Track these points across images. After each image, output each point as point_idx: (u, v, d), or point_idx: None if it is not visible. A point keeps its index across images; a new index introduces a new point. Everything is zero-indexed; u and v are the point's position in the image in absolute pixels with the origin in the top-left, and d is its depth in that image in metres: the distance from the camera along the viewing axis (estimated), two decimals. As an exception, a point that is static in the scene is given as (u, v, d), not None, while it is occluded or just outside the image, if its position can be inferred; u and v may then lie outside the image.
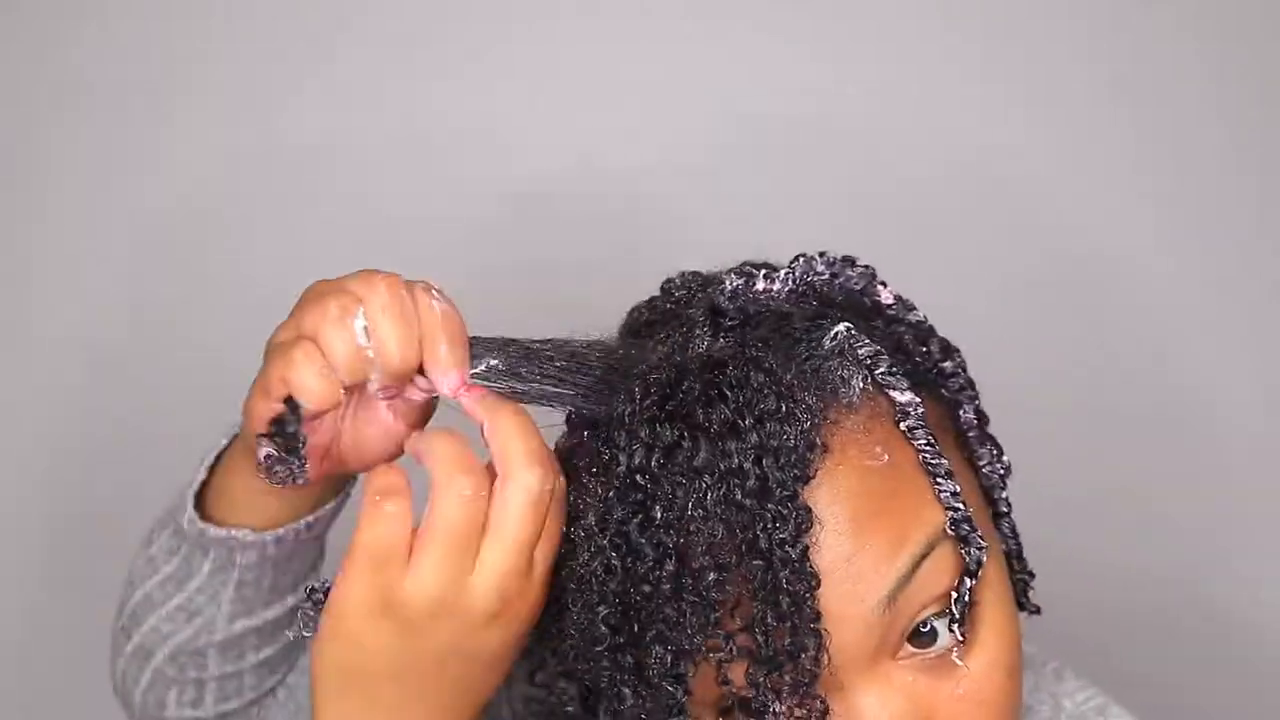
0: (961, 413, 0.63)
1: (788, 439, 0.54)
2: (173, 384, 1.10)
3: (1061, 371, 1.12)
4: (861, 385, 0.58)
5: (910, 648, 0.57)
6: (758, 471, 0.53)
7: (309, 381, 0.55)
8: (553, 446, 0.60)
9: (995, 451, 0.64)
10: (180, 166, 1.09)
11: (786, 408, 0.54)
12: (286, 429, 0.56)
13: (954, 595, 0.56)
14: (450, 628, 0.55)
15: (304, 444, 0.57)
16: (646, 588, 0.54)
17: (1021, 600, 0.65)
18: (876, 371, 0.58)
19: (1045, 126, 1.11)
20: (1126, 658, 1.07)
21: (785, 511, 0.53)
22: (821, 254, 0.62)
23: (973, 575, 0.56)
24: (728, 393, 0.54)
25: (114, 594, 0.75)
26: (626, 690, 0.56)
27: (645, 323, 0.63)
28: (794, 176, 1.11)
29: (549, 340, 0.60)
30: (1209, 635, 1.14)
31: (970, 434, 0.63)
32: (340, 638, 0.56)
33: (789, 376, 0.56)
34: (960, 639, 0.57)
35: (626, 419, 0.55)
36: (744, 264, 0.62)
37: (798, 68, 1.10)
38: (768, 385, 0.55)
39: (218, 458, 0.69)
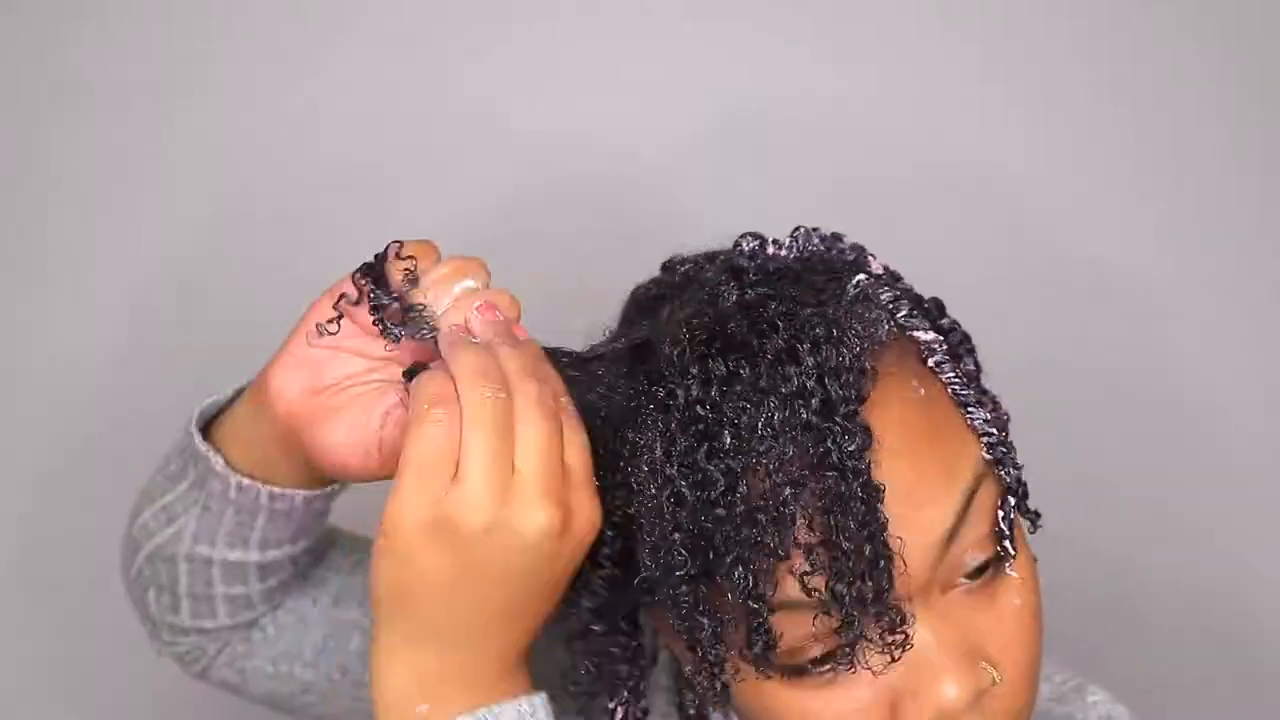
0: (963, 364, 0.65)
1: (844, 360, 0.56)
2: (175, 384, 1.10)
3: (1060, 371, 1.12)
4: (887, 327, 0.60)
5: (958, 578, 0.59)
6: (821, 391, 0.55)
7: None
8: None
9: (995, 400, 0.66)
10: (180, 167, 1.09)
11: (837, 333, 0.56)
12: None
13: (1000, 513, 0.59)
14: (502, 543, 0.55)
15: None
16: (721, 511, 0.55)
17: None
18: (899, 315, 0.61)
19: (1045, 126, 1.11)
20: (1128, 656, 1.07)
21: (851, 427, 0.55)
22: (815, 229, 0.65)
23: (1014, 493, 0.60)
24: (779, 323, 0.56)
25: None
26: (704, 620, 0.57)
27: (654, 297, 0.65)
28: (794, 177, 1.11)
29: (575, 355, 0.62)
30: (1215, 634, 1.14)
31: (972, 384, 0.65)
32: (393, 555, 0.56)
33: (831, 310, 0.58)
34: (1013, 552, 0.59)
35: (676, 359, 0.57)
36: (747, 233, 0.64)
37: (798, 68, 1.10)
38: (815, 315, 0.57)
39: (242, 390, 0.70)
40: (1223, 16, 1.09)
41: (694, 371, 0.56)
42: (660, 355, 0.58)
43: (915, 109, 1.10)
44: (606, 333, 0.66)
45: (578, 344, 0.65)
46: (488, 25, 1.09)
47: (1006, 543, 0.59)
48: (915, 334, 0.61)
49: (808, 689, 0.58)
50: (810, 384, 0.55)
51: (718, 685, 0.58)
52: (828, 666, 0.57)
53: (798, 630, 0.57)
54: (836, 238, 0.65)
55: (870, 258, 0.65)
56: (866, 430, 0.55)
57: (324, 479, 0.68)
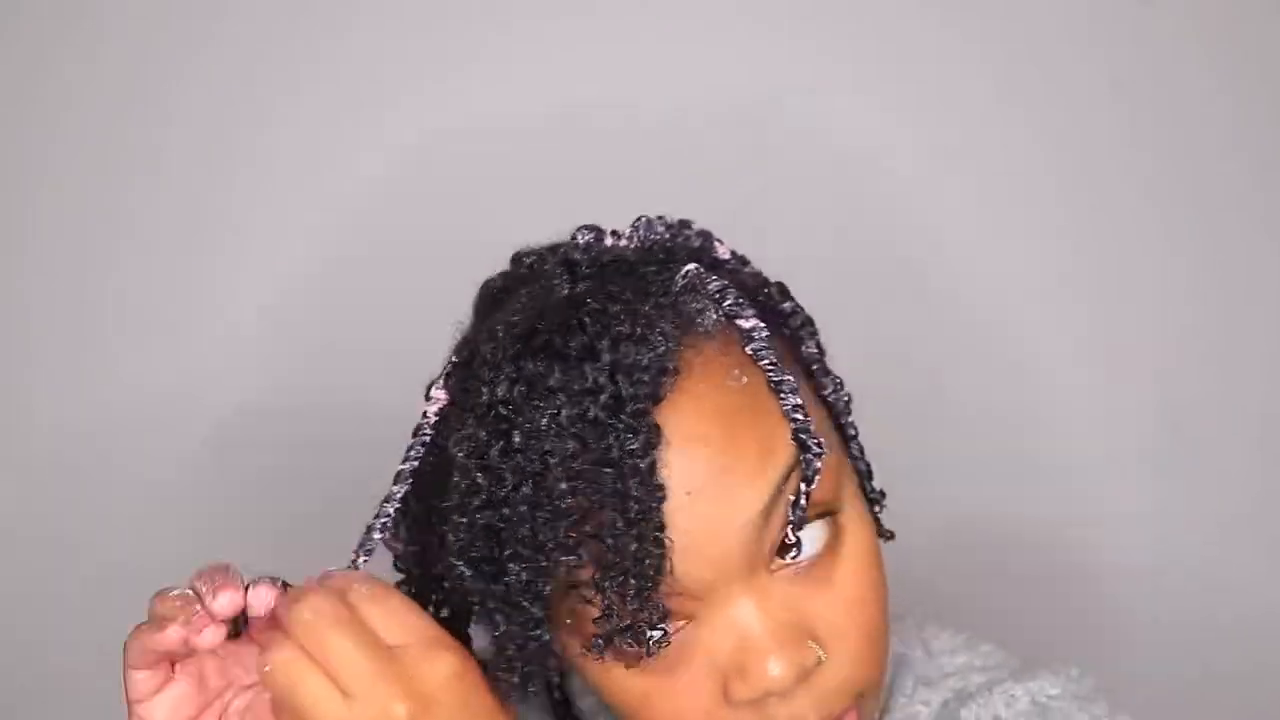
0: (804, 348, 0.66)
1: (641, 359, 0.57)
2: (170, 367, 1.11)
3: (1060, 370, 1.12)
4: (714, 316, 0.61)
5: (779, 560, 0.60)
6: (611, 388, 0.56)
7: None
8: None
9: (838, 382, 0.67)
10: (180, 166, 1.10)
11: (641, 331, 0.57)
12: None
13: (791, 499, 0.59)
14: None
15: None
16: (506, 510, 0.56)
17: (877, 525, 0.67)
18: (725, 304, 0.61)
19: (1046, 127, 1.11)
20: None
21: (636, 425, 0.56)
22: (660, 217, 0.66)
23: (808, 481, 0.59)
24: (586, 320, 0.57)
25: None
26: (499, 617, 0.58)
27: (501, 289, 0.65)
28: (792, 176, 1.11)
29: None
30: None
31: (814, 367, 0.67)
32: None
33: (646, 307, 0.58)
34: (795, 541, 0.59)
35: (489, 356, 0.58)
36: (583, 226, 0.65)
37: (797, 67, 1.10)
38: (623, 312, 0.58)
39: None
40: (1223, 16, 1.09)
41: (506, 370, 0.57)
42: (478, 356, 0.59)
43: (915, 109, 1.10)
44: (458, 329, 0.66)
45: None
46: (489, 26, 1.09)
47: (791, 531, 0.59)
48: (739, 322, 0.61)
49: (643, 672, 0.59)
50: (602, 380, 0.56)
51: (515, 679, 0.59)
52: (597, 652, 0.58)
53: (585, 618, 0.58)
54: (684, 225, 0.66)
55: (717, 243, 0.66)
56: (655, 429, 0.56)
57: None
